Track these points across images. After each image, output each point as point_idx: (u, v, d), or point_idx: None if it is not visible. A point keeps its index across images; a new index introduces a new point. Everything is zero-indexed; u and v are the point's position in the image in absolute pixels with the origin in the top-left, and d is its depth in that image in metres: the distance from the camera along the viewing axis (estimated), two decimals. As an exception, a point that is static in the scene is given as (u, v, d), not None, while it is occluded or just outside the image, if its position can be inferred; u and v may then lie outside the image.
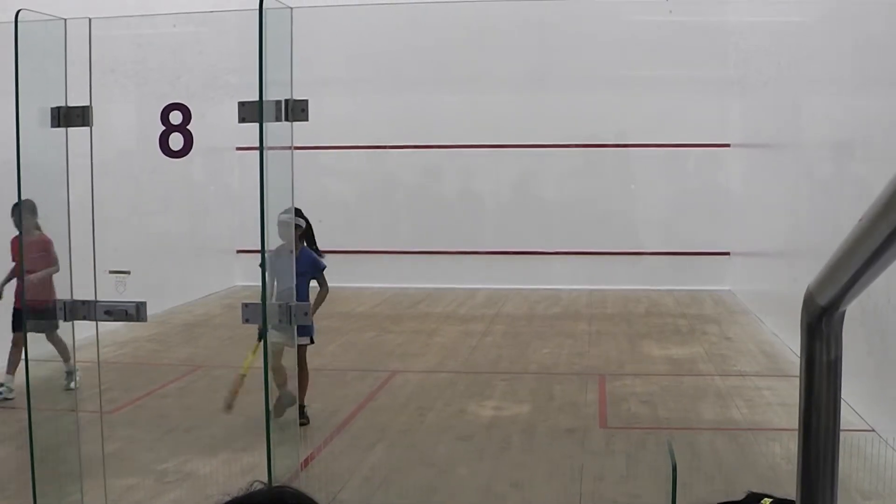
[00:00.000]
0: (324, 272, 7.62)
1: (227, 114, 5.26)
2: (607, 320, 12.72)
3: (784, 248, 11.25)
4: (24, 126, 4.85)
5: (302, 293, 7.00)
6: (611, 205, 15.41)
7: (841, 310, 1.29)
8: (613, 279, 14.94)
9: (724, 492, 5.85)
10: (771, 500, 1.78)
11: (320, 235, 15.24)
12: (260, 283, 4.93)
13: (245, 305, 5.05)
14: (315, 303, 7.42)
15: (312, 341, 7.65)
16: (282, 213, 6.96)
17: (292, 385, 6.83)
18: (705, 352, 10.44)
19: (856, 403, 7.27)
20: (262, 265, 7.24)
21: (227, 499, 1.63)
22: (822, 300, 1.28)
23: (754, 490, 1.94)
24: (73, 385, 6.25)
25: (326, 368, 9.56)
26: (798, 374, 1.43)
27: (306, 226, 7.53)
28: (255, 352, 7.01)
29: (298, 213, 7.04)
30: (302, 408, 7.28)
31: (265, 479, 4.92)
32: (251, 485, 1.75)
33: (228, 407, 7.13)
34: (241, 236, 14.96)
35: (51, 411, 5.27)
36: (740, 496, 1.98)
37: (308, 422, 7.42)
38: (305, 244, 7.51)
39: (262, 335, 7.04)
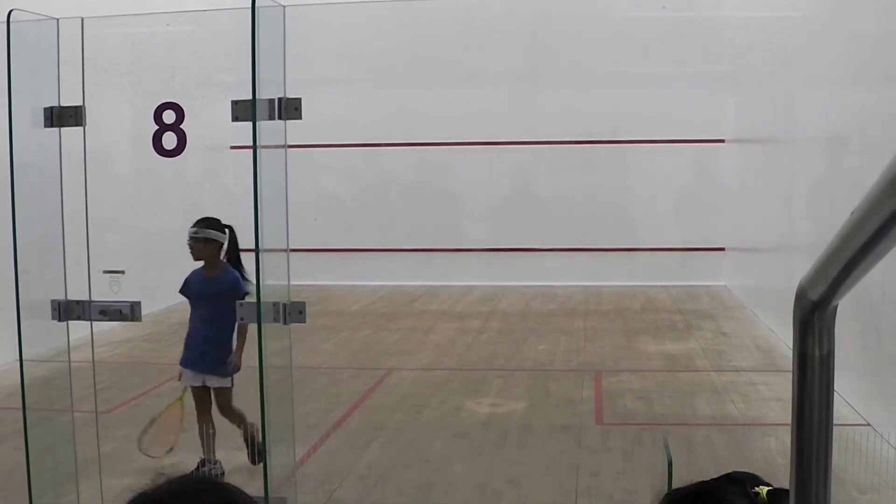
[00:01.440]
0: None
1: (221, 112, 5.25)
2: (603, 317, 12.73)
3: (779, 243, 11.26)
4: (17, 126, 4.84)
5: (225, 326, 6.08)
6: (606, 201, 15.41)
7: (833, 304, 1.29)
8: (609, 275, 14.95)
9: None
10: (769, 488, 1.76)
11: (316, 234, 15.27)
12: (255, 282, 4.92)
13: (240, 304, 5.04)
14: (238, 341, 6.15)
15: (232, 383, 6.34)
16: (192, 227, 6.20)
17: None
18: (701, 347, 10.45)
19: (851, 398, 7.27)
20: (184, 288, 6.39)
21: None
22: (815, 295, 1.28)
23: (737, 469, 1.90)
24: None
25: (322, 367, 9.55)
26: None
27: (229, 240, 6.29)
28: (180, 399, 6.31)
29: (215, 224, 6.19)
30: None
31: (262, 478, 4.92)
32: (156, 478, 1.73)
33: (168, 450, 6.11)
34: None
35: (46, 411, 5.26)
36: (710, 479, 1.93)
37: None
38: (227, 261, 6.31)
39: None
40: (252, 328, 5.45)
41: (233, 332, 6.14)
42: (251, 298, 5.08)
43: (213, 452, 6.29)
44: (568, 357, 10.17)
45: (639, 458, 6.57)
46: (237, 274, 6.19)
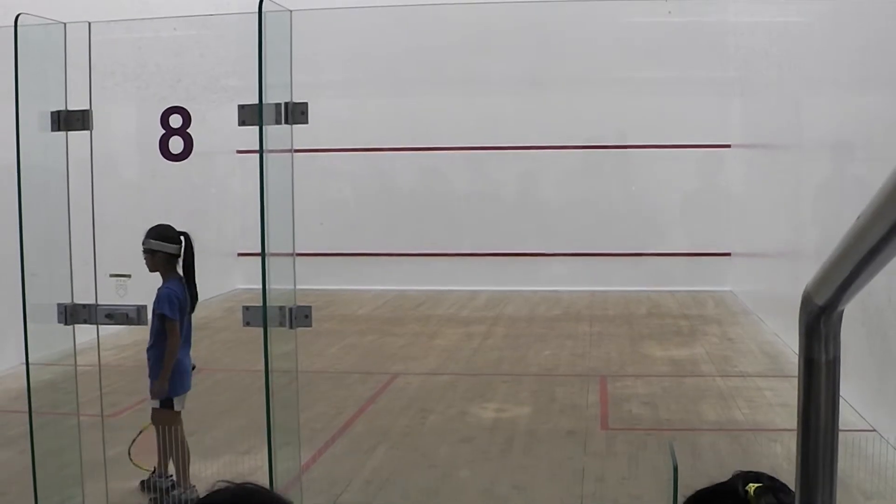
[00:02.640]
0: (167, 320, 5.79)
1: (228, 117, 5.26)
2: (608, 322, 12.72)
3: (785, 248, 11.25)
4: (25, 130, 4.86)
5: (155, 344, 5.84)
6: (611, 206, 15.41)
7: (839, 309, 1.28)
8: (614, 280, 14.94)
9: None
10: (757, 485, 1.77)
11: (322, 238, 15.27)
12: (261, 287, 4.92)
13: (246, 308, 5.04)
14: (165, 359, 5.81)
15: (168, 405, 5.92)
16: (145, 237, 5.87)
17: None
18: (706, 352, 10.43)
19: (857, 403, 7.26)
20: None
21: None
22: (820, 300, 1.28)
23: (742, 469, 1.91)
24: None
25: (327, 371, 9.56)
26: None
27: (184, 250, 5.91)
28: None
29: (162, 232, 5.86)
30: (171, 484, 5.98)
31: (267, 482, 4.93)
32: (214, 485, 1.73)
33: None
34: (242, 239, 14.98)
35: (52, 415, 5.27)
36: (727, 478, 1.95)
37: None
38: (182, 273, 5.94)
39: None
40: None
41: (162, 352, 5.81)
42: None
43: (177, 473, 5.97)
44: (573, 362, 10.16)
45: (644, 463, 6.56)
46: (167, 289, 5.81)
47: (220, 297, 14.29)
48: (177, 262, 5.90)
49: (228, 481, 1.81)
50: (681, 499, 1.99)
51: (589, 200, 15.44)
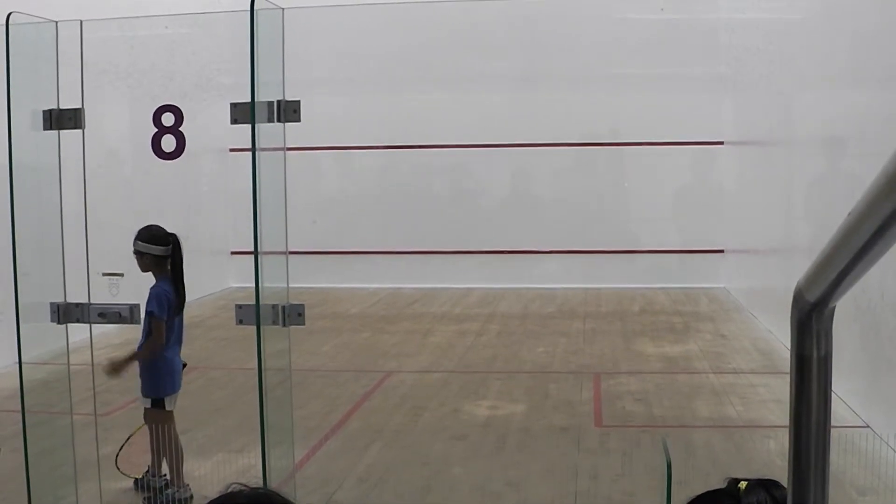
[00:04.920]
0: (153, 319, 5.75)
1: (220, 115, 5.26)
2: (602, 319, 12.72)
3: (778, 244, 11.26)
4: (16, 129, 4.84)
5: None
6: (604, 203, 15.42)
7: (831, 305, 1.29)
8: (608, 277, 14.94)
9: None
10: (747, 482, 1.79)
11: (315, 236, 15.24)
12: (254, 285, 4.92)
13: (239, 307, 5.04)
14: (142, 351, 5.87)
15: (159, 405, 5.91)
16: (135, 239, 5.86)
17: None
18: (700, 349, 10.45)
19: (850, 400, 7.28)
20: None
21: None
22: (812, 296, 1.28)
23: (735, 476, 1.93)
24: None
25: (321, 369, 9.56)
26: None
27: (171, 252, 5.86)
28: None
29: (150, 234, 5.83)
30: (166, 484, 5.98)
31: (260, 481, 4.93)
32: (228, 487, 1.72)
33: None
34: (235, 238, 14.96)
35: (45, 414, 5.26)
36: (722, 485, 1.97)
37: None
38: (171, 274, 5.88)
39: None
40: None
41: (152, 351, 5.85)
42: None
43: (170, 472, 5.98)
44: (567, 359, 10.16)
45: (638, 460, 6.57)
46: (158, 289, 5.80)
47: (214, 295, 14.29)
48: (166, 262, 5.87)
49: (243, 484, 1.80)
50: (674, 496, 2.00)
51: (582, 197, 15.44)
